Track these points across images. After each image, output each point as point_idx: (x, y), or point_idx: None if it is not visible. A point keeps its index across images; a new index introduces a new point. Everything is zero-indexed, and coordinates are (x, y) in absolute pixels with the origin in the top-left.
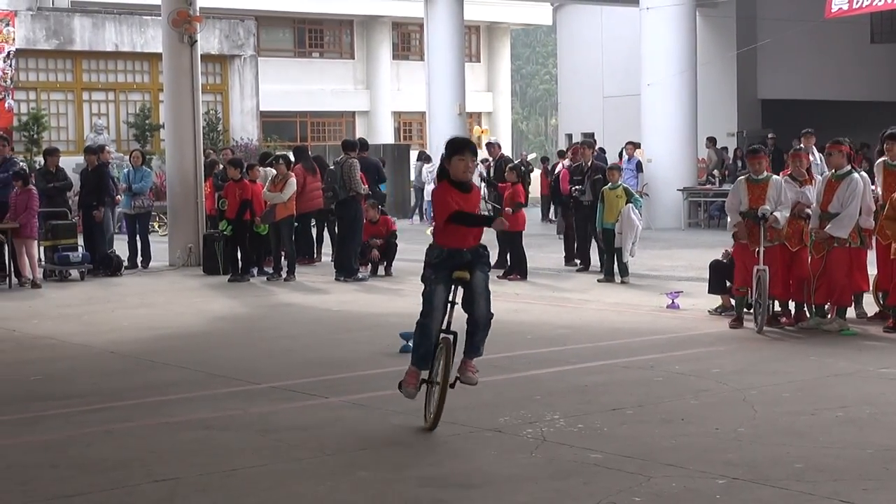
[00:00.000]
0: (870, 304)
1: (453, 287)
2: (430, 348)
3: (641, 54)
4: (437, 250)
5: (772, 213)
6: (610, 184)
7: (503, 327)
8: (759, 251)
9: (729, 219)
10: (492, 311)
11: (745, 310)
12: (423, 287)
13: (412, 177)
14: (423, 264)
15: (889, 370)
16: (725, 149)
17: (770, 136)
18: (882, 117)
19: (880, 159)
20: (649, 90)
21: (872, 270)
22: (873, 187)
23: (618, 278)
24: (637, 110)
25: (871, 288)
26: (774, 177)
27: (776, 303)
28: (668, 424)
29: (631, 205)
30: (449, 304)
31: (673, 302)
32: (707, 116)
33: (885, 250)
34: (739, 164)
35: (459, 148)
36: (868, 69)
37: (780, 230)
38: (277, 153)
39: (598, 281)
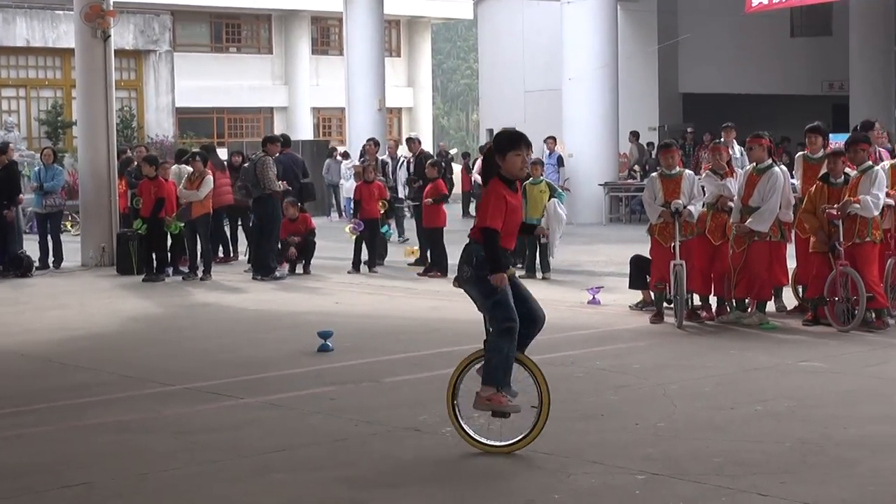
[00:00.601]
0: (789, 298)
1: None
2: (513, 360)
3: (563, 48)
4: (501, 249)
5: (685, 208)
6: (532, 179)
7: (423, 325)
8: (674, 246)
9: (648, 214)
10: None
11: (665, 305)
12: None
13: (324, 171)
14: (465, 265)
15: (808, 363)
16: (651, 144)
17: (689, 130)
18: (802, 111)
19: (800, 153)
20: (571, 84)
21: (792, 264)
22: (793, 181)
23: (539, 274)
24: (558, 105)
25: (790, 282)
26: (687, 171)
27: (697, 297)
28: (588, 420)
29: (556, 199)
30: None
31: (594, 297)
32: (628, 111)
33: (805, 244)
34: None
35: (516, 142)
36: (788, 63)
37: (695, 224)
38: (194, 150)
39: (520, 277)
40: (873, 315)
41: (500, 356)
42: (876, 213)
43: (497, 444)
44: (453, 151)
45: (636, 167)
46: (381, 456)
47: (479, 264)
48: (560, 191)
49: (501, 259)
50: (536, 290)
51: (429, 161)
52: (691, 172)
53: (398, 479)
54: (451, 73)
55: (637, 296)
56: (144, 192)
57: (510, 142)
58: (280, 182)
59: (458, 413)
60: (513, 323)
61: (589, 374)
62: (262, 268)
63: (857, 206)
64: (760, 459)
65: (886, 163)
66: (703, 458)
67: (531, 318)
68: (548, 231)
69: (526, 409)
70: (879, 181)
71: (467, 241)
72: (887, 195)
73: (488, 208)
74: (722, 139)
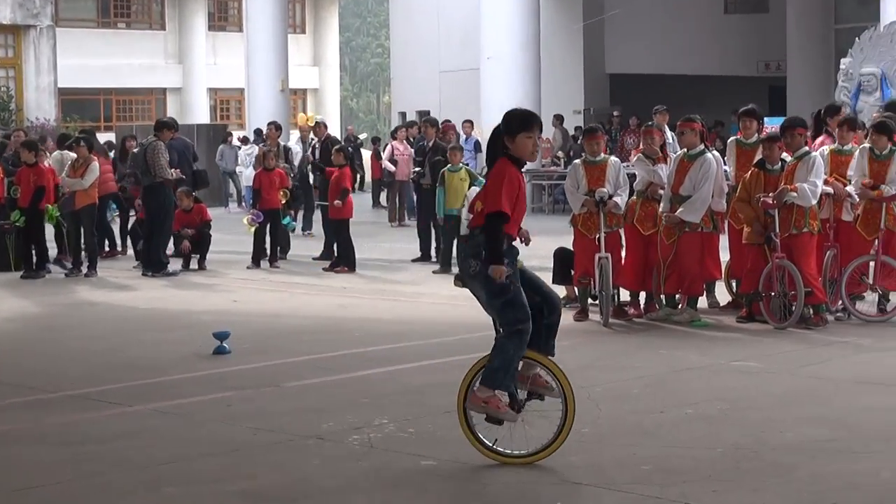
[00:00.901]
0: (722, 293)
1: None
2: (517, 363)
3: (480, 25)
4: (506, 239)
5: (611, 197)
6: (450, 165)
7: (329, 324)
8: (599, 237)
9: (571, 203)
10: None
11: (590, 301)
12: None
13: (217, 158)
14: (470, 259)
15: (742, 363)
16: (579, 129)
17: (615, 113)
18: (737, 92)
19: (733, 138)
20: (489, 64)
21: (725, 257)
22: (726, 167)
23: (456, 269)
24: (476, 86)
25: (723, 276)
26: (612, 158)
27: (624, 293)
28: (506, 427)
29: (476, 187)
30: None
31: None
32: (552, 93)
33: (738, 235)
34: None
35: (527, 123)
36: (721, 42)
37: (622, 214)
38: (79, 134)
39: (434, 272)
40: (811, 311)
41: (504, 357)
42: (813, 201)
43: (516, 454)
44: (362, 136)
45: (559, 153)
46: (282, 467)
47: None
48: (481, 178)
49: (503, 249)
50: (450, 286)
51: (335, 147)
52: (617, 159)
53: (300, 491)
54: (360, 51)
55: (560, 291)
56: (23, 180)
57: (522, 122)
58: (173, 170)
59: (470, 422)
60: (525, 325)
61: None
62: (153, 263)
63: (794, 194)
64: (691, 466)
65: (825, 148)
66: (630, 466)
67: (550, 306)
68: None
69: (534, 417)
70: (817, 168)
71: (468, 231)
72: (826, 183)
73: (500, 189)
74: (654, 123)
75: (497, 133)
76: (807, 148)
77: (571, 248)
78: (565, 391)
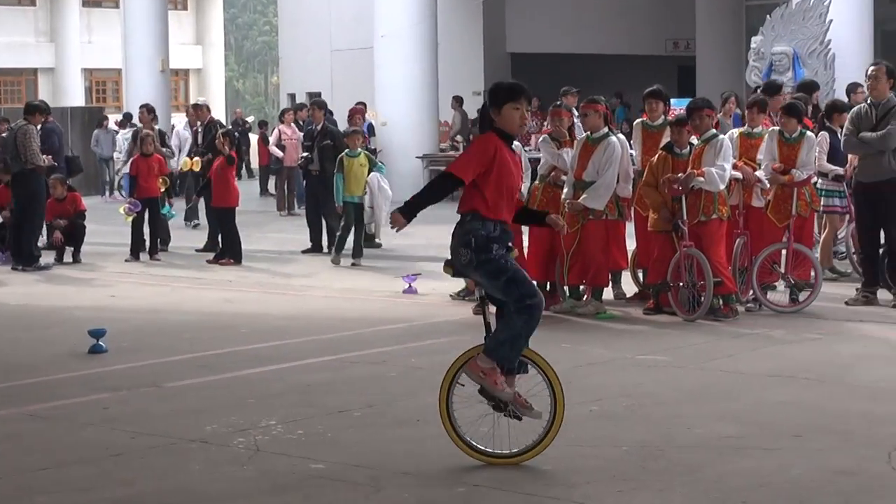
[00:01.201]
0: (629, 284)
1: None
2: (523, 342)
3: (374, 1)
4: (490, 221)
5: None
6: (348, 150)
7: (213, 320)
8: None
9: None
10: None
11: None
12: (489, 270)
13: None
14: (461, 248)
15: (648, 357)
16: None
17: None
18: (645, 73)
19: (638, 120)
20: (383, 43)
21: (632, 245)
22: (631, 151)
23: (345, 260)
24: (370, 66)
25: (629, 265)
26: (514, 142)
27: None
28: (402, 427)
29: (377, 173)
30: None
31: (410, 286)
32: (450, 73)
33: (645, 222)
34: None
35: (515, 93)
36: (629, 20)
37: (523, 201)
38: None
39: (333, 262)
40: (721, 302)
41: (511, 331)
42: (722, 186)
43: (501, 453)
44: (250, 119)
45: (458, 137)
46: (162, 472)
47: (480, 246)
48: (380, 163)
49: (422, 203)
50: (345, 278)
51: (220, 132)
52: (518, 144)
53: (181, 499)
54: (246, 29)
55: (459, 283)
56: None
57: (508, 93)
58: (45, 156)
59: (452, 420)
60: (534, 300)
61: (404, 373)
62: (24, 256)
63: (701, 179)
64: (595, 466)
65: (735, 131)
66: (531, 467)
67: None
68: (375, 210)
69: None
70: (725, 151)
71: (459, 217)
72: (734, 167)
73: (467, 157)
74: (562, 103)
75: (485, 108)
76: (714, 130)
77: None
78: (553, 386)
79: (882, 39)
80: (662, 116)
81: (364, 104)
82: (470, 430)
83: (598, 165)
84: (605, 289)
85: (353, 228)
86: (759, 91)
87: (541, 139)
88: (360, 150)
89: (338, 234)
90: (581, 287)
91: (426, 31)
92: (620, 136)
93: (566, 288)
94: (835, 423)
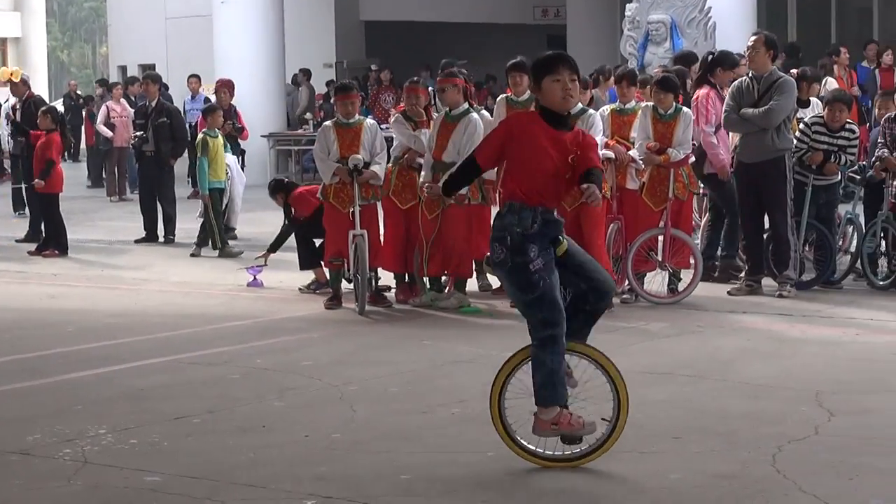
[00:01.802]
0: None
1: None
2: (561, 373)
3: None
4: (528, 212)
5: (367, 165)
6: (208, 130)
7: (36, 318)
8: (353, 212)
9: (321, 172)
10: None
11: (344, 285)
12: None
13: None
14: (496, 244)
15: None
16: (331, 84)
17: (373, 67)
18: (512, 43)
19: (502, 95)
20: (223, 10)
21: None
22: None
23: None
24: (209, 35)
25: None
26: (368, 120)
27: (384, 275)
28: (246, 434)
29: (229, 154)
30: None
31: (255, 279)
32: (298, 44)
33: None
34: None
35: (552, 65)
36: None
37: (379, 186)
38: None
39: (192, 255)
40: None
41: (544, 371)
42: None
43: (562, 455)
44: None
45: (308, 115)
46: None
47: (517, 246)
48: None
49: (456, 185)
50: (182, 270)
51: (41, 109)
52: (373, 122)
53: None
54: None
55: (309, 276)
56: None
57: (545, 65)
58: None
59: (505, 422)
60: (556, 329)
61: (248, 375)
62: None
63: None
64: (458, 474)
65: (606, 107)
66: (388, 475)
67: (598, 293)
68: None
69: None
70: (596, 127)
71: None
72: (606, 146)
73: (485, 139)
74: (419, 79)
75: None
76: (582, 105)
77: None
78: (613, 377)
79: (767, 8)
80: (528, 91)
81: (198, 76)
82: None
83: (458, 145)
84: (469, 280)
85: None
86: (710, 58)
87: (393, 118)
88: (216, 131)
89: (212, 226)
90: (443, 278)
91: None
92: (484, 112)
93: (426, 279)
94: (716, 423)
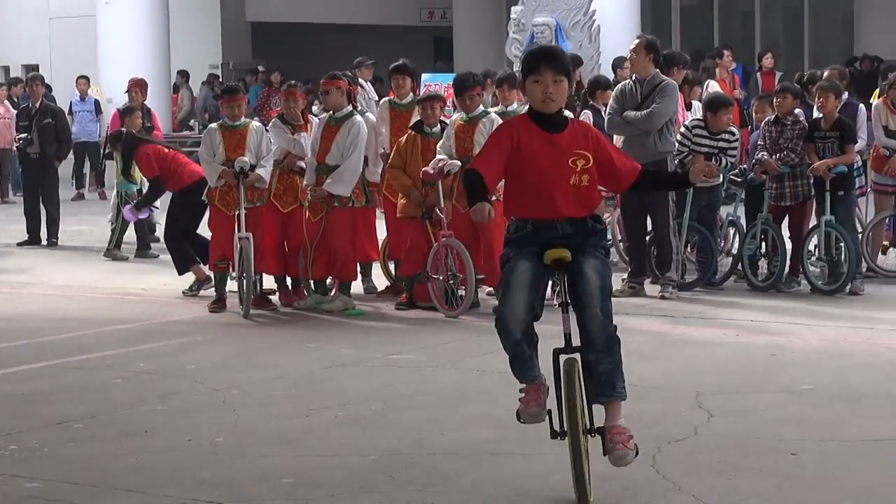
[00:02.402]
0: (380, 277)
1: (550, 279)
2: (522, 350)
3: None
4: (515, 223)
5: (252, 168)
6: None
7: None
8: (239, 214)
9: (207, 175)
10: (614, 322)
11: (227, 288)
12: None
13: None
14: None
15: (400, 356)
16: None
17: (261, 69)
18: (400, 44)
19: (385, 98)
20: (107, 10)
21: (382, 234)
22: (384, 131)
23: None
24: (94, 36)
25: (380, 256)
26: (254, 123)
27: (268, 279)
28: (128, 439)
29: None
30: (544, 288)
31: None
32: (183, 45)
33: (395, 209)
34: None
35: (531, 64)
36: None
37: (265, 188)
38: None
39: (104, 255)
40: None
41: (503, 343)
42: None
43: None
44: None
45: (192, 122)
46: None
47: (508, 240)
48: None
49: (476, 195)
50: (65, 273)
51: None
52: (259, 124)
53: None
54: None
55: (191, 277)
56: None
57: (527, 63)
58: None
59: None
60: (499, 323)
61: (130, 379)
62: None
63: (458, 163)
64: (341, 477)
65: (490, 110)
66: (270, 480)
67: (583, 336)
68: None
69: None
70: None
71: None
72: None
73: (481, 149)
74: (296, 83)
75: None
76: (482, 108)
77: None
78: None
79: (653, 10)
80: (411, 94)
81: (86, 77)
82: None
83: (342, 148)
84: (354, 282)
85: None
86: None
87: (271, 122)
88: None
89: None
90: (328, 281)
91: None
92: (369, 115)
93: (311, 282)
94: (596, 424)
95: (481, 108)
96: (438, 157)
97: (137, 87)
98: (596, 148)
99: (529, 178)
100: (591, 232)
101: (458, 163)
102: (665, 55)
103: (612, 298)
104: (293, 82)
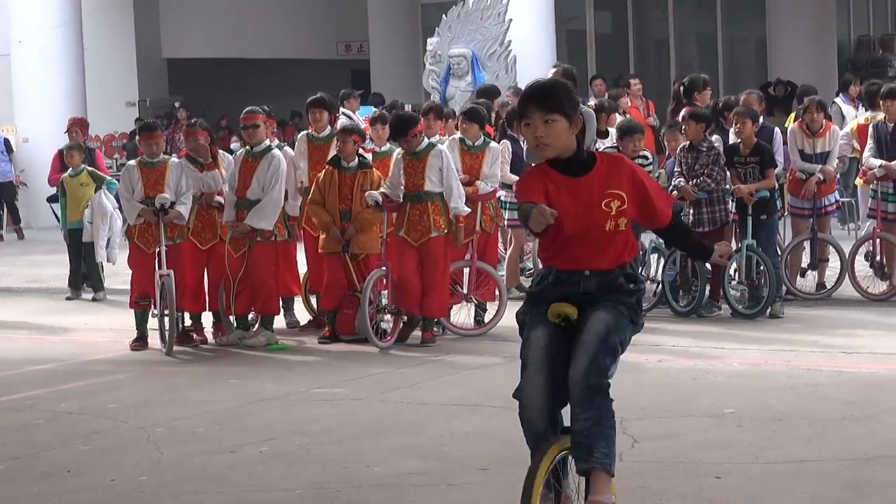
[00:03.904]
0: (302, 311)
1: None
2: (548, 445)
3: (8, 2)
4: (539, 274)
5: (173, 205)
6: (71, 170)
7: None
8: (160, 252)
9: (126, 212)
10: (608, 377)
11: (148, 326)
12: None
13: None
14: None
15: (324, 390)
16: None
17: (177, 104)
18: (318, 78)
19: (304, 132)
20: (21, 49)
21: (304, 268)
22: (302, 164)
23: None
24: (8, 75)
25: (301, 290)
26: (174, 160)
27: (186, 316)
28: (50, 479)
29: (103, 189)
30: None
31: None
32: (99, 83)
33: (316, 243)
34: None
35: (521, 107)
36: (295, 21)
37: (184, 225)
38: None
39: (68, 298)
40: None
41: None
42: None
43: None
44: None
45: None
46: None
47: (528, 294)
48: (110, 179)
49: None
50: None
51: None
52: (178, 161)
53: None
54: None
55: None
56: None
57: (518, 107)
58: None
59: None
60: (521, 410)
61: (52, 420)
62: None
63: (376, 193)
64: None
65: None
66: None
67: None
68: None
69: None
70: (446, 163)
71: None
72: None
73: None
74: (197, 121)
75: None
76: (429, 141)
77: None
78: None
79: (568, 40)
80: (329, 127)
81: None
82: None
83: (262, 182)
84: (277, 317)
85: (81, 259)
86: (681, 88)
87: (180, 160)
88: (81, 167)
89: (70, 267)
90: (250, 316)
91: (70, 35)
92: (287, 148)
93: (233, 318)
94: (523, 453)
95: (426, 140)
96: (382, 189)
97: (77, 126)
98: (632, 184)
99: (562, 228)
100: (617, 289)
101: (377, 193)
102: (686, 83)
103: None
104: (193, 121)
